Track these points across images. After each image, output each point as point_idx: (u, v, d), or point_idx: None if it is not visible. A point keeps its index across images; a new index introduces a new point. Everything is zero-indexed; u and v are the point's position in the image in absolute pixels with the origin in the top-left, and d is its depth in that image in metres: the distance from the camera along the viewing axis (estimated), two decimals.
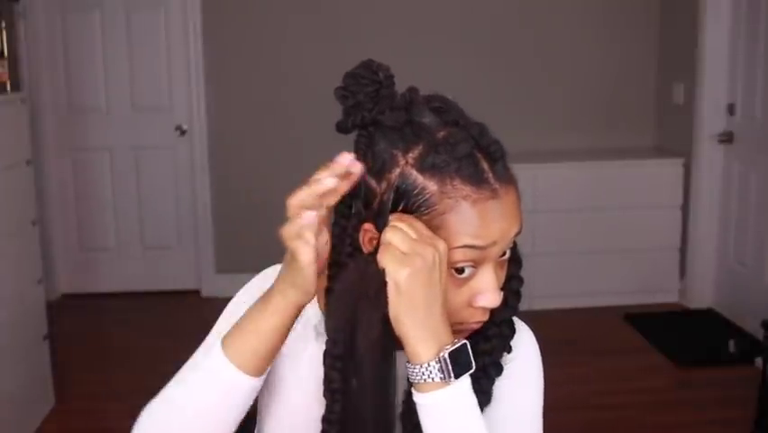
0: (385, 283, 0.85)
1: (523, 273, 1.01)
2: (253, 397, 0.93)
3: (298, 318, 0.94)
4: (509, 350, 1.00)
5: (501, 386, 0.98)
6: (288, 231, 0.85)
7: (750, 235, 4.00)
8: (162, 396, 0.94)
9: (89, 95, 4.68)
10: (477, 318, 0.92)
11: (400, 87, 0.97)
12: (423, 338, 0.85)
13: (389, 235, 0.85)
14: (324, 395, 0.91)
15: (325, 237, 0.88)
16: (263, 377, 0.92)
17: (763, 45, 3.84)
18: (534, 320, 1.10)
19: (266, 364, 0.91)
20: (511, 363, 1.00)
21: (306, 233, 0.84)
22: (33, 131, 3.48)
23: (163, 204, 4.78)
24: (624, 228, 4.39)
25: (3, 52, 3.19)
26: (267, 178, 4.59)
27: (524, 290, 1.02)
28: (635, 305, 4.35)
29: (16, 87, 3.28)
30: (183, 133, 4.69)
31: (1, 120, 2.95)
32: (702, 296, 4.36)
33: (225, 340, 0.91)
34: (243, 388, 0.90)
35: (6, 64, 3.18)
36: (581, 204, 4.36)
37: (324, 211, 0.86)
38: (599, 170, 4.39)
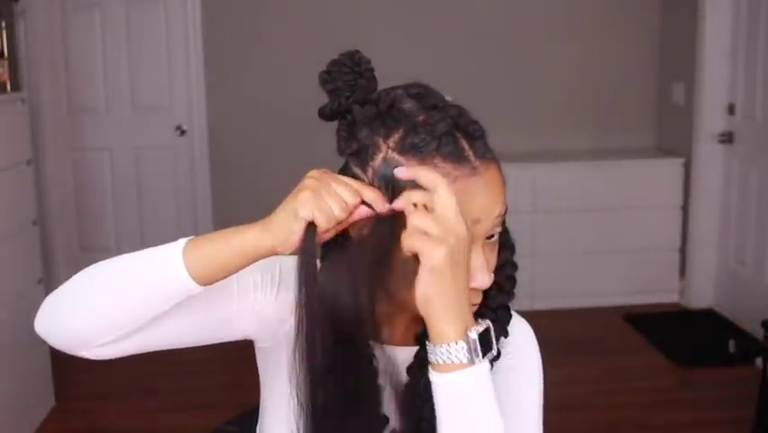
0: (385, 254, 0.87)
1: (523, 273, 1.01)
2: (176, 302, 0.92)
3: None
4: (506, 334, 1.00)
5: (502, 377, 0.98)
6: (322, 189, 0.86)
7: (750, 235, 4.00)
8: (106, 260, 0.96)
9: (89, 94, 4.67)
10: (471, 301, 0.92)
11: (397, 82, 0.98)
12: (450, 318, 0.85)
13: (417, 220, 0.85)
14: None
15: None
16: (200, 289, 0.91)
17: (763, 45, 3.85)
18: (534, 320, 1.10)
19: (211, 277, 0.91)
20: (510, 354, 1.01)
21: (331, 211, 0.86)
22: (33, 131, 3.47)
23: (163, 204, 4.78)
24: (624, 228, 4.39)
25: (3, 52, 3.18)
26: (267, 178, 4.58)
27: (524, 290, 1.03)
28: (635, 305, 4.35)
29: (16, 87, 3.26)
30: (183, 132, 4.69)
31: (1, 120, 2.95)
32: (702, 296, 4.36)
33: (193, 240, 0.91)
34: (177, 283, 0.90)
35: (6, 64, 3.17)
36: (581, 204, 4.36)
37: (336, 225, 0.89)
38: (599, 170, 4.39)
